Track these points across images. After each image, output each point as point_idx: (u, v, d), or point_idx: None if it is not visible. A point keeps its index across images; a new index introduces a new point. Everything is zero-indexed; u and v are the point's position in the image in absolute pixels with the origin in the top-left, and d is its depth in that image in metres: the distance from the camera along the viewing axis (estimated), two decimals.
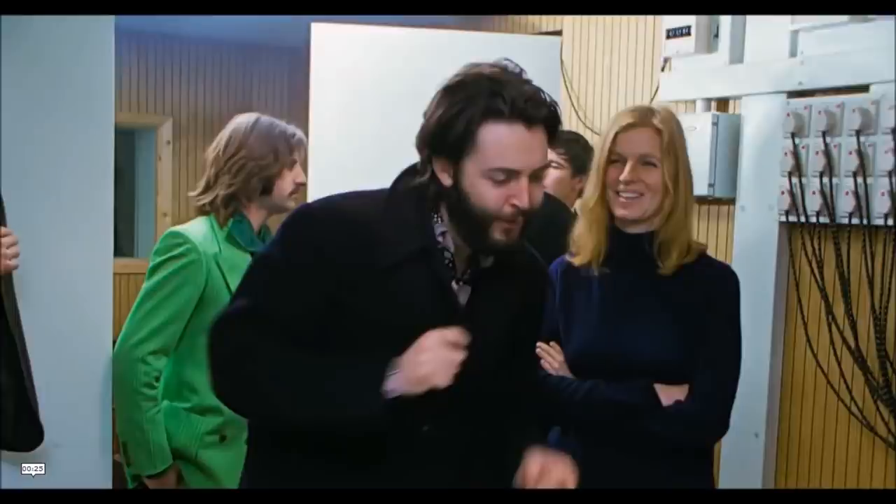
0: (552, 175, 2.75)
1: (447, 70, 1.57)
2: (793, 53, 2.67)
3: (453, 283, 1.61)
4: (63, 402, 2.25)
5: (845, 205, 2.45)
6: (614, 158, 2.00)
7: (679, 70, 3.04)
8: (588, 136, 3.21)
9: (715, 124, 2.81)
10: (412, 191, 1.59)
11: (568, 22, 3.65)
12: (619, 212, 2.00)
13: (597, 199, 2.02)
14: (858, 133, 2.41)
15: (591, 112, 3.56)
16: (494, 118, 1.49)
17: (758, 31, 2.78)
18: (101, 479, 2.40)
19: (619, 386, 1.94)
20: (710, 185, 2.82)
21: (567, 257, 2.09)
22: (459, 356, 1.47)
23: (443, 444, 1.62)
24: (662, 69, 3.13)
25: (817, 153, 2.51)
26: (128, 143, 5.20)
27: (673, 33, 2.97)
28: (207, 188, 2.39)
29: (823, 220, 2.52)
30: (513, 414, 1.76)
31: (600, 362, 1.98)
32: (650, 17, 3.26)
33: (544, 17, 3.76)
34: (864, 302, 2.47)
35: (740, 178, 2.82)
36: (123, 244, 5.16)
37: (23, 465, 2.19)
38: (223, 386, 1.59)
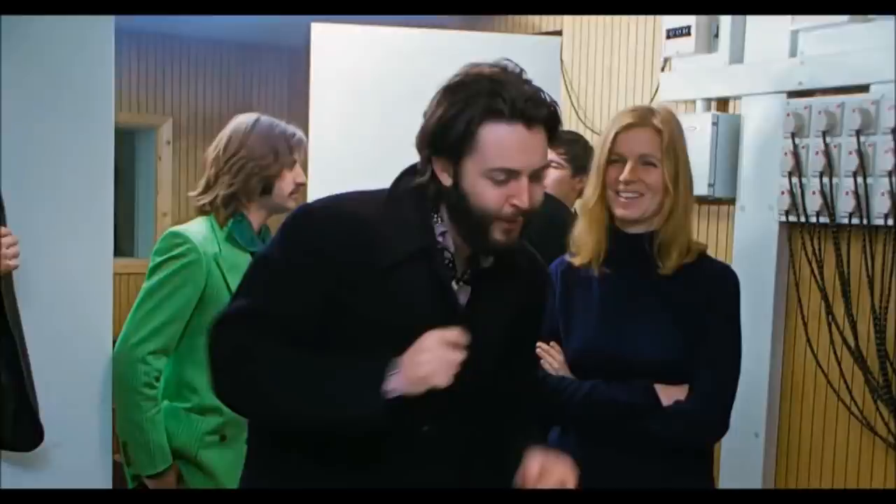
0: (552, 175, 2.75)
1: (447, 70, 1.57)
2: (793, 53, 2.66)
3: (453, 283, 1.61)
4: (63, 402, 2.24)
5: (845, 205, 2.45)
6: (614, 158, 2.00)
7: (679, 70, 3.04)
8: (588, 136, 3.21)
9: (715, 124, 2.81)
10: (412, 191, 1.59)
11: (568, 22, 3.65)
12: (619, 212, 2.00)
13: (597, 199, 2.02)
14: (858, 133, 2.40)
15: (591, 112, 3.56)
16: (494, 118, 1.49)
17: (758, 31, 2.78)
18: (101, 479, 2.39)
19: (620, 386, 1.94)
20: (710, 185, 2.81)
21: (567, 257, 2.09)
22: (459, 356, 1.47)
23: (443, 444, 1.62)
24: (662, 69, 3.13)
25: (817, 153, 2.50)
26: (128, 143, 5.19)
27: (673, 33, 2.97)
28: (207, 188, 2.39)
29: (823, 220, 2.52)
30: (513, 414, 1.76)
31: (600, 362, 1.98)
32: (650, 17, 3.25)
33: (544, 17, 3.76)
34: (864, 302, 2.46)
35: (740, 178, 2.82)
36: (123, 244, 5.15)
37: None
38: (223, 386, 1.59)
